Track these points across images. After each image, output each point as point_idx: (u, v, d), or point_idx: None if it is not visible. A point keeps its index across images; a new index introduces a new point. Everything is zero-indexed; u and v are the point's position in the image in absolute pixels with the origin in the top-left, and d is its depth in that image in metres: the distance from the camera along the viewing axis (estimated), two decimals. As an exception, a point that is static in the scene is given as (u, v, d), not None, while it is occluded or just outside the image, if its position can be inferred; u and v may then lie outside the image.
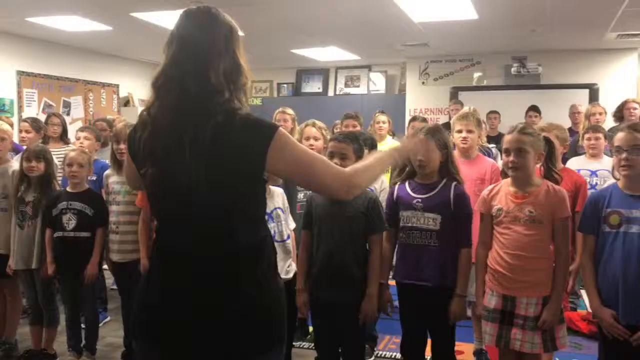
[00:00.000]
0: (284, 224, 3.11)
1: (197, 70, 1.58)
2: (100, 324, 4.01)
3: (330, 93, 9.66)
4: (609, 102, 6.56)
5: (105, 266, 3.90)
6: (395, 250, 2.90)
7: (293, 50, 7.91)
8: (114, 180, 3.59)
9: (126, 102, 8.96)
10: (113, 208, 3.56)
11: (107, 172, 3.70)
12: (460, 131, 3.54)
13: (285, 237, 3.12)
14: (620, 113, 5.96)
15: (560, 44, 7.48)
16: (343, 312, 2.78)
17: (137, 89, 8.85)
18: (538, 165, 2.70)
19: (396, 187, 2.89)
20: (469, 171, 3.32)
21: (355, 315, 2.75)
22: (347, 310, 2.76)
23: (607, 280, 2.47)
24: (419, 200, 2.76)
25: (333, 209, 2.82)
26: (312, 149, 3.26)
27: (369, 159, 1.76)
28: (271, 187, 3.03)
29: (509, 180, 2.67)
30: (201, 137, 1.53)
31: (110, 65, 8.54)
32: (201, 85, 1.57)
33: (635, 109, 5.85)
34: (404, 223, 2.80)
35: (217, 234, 1.61)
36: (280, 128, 1.61)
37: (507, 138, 2.63)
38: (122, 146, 3.39)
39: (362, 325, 2.80)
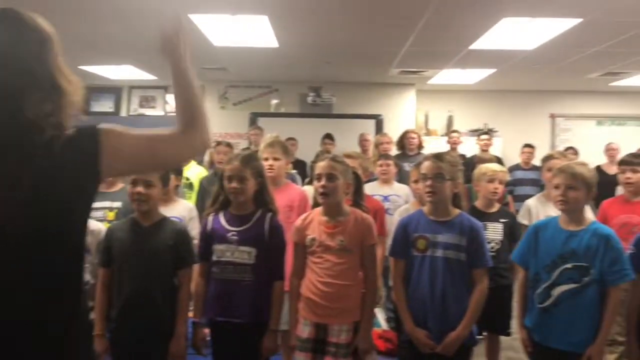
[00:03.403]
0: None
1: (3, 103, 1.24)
2: None
3: (124, 113, 9.10)
4: (392, 131, 7.18)
5: None
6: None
7: (82, 67, 7.30)
8: None
9: None
10: None
11: None
12: (267, 159, 3.52)
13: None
14: (402, 142, 6.56)
15: (352, 76, 8.01)
16: (149, 356, 2.54)
17: None
18: (347, 195, 2.77)
19: (210, 218, 2.75)
20: (277, 199, 3.28)
21: (163, 357, 2.53)
22: (154, 353, 2.53)
23: (417, 301, 2.61)
24: (234, 233, 2.65)
25: (136, 242, 2.60)
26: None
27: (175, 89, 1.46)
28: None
29: (320, 209, 2.70)
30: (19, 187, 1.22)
31: None
32: (12, 122, 1.24)
33: (414, 138, 6.48)
34: (217, 257, 2.67)
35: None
36: (102, 126, 1.34)
37: (320, 164, 2.67)
38: None
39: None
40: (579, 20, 4.72)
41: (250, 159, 2.73)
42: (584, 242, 2.52)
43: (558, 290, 2.54)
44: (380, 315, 5.16)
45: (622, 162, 3.70)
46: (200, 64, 7.20)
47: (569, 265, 2.52)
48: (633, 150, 5.50)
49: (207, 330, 2.75)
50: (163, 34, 1.44)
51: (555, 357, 2.55)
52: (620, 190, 4.06)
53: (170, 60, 1.44)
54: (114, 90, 9.07)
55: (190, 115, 1.41)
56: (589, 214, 3.56)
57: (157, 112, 9.02)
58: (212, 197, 2.82)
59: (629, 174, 3.59)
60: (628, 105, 9.15)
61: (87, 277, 2.83)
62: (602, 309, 2.49)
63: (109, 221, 3.48)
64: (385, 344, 4.31)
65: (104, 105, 9.12)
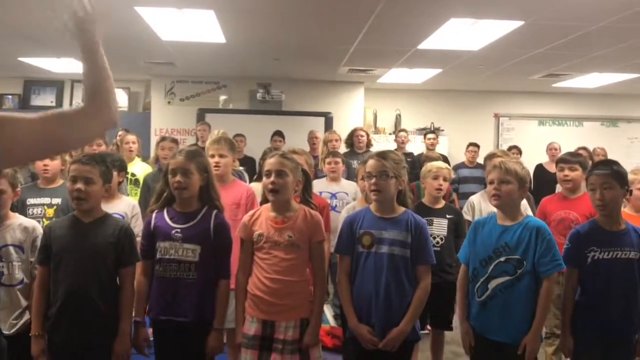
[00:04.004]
0: (16, 265, 2.67)
1: None
2: None
3: (66, 107, 8.81)
4: (341, 129, 7.22)
5: None
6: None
7: (21, 59, 7.03)
8: None
9: None
10: None
11: None
12: (213, 155, 3.47)
13: (15, 282, 2.67)
14: (351, 140, 6.61)
15: (301, 74, 8.01)
16: (91, 356, 2.47)
17: None
18: (296, 192, 2.76)
19: (153, 215, 2.69)
20: (224, 196, 3.25)
21: (106, 358, 2.46)
22: (96, 353, 2.46)
23: (362, 297, 2.63)
24: (178, 230, 2.60)
25: (76, 240, 2.52)
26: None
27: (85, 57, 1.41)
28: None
29: (268, 205, 2.68)
30: None
31: None
32: None
33: (362, 136, 6.53)
34: (161, 255, 2.61)
35: None
36: None
37: (269, 161, 2.66)
38: None
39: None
40: (522, 22, 4.86)
41: (195, 154, 2.69)
42: (516, 235, 2.61)
43: (493, 284, 2.61)
44: (327, 312, 5.19)
45: (561, 161, 3.83)
46: (147, 58, 7.05)
47: (502, 259, 2.60)
48: (572, 149, 5.71)
49: (150, 330, 2.69)
50: (74, 9, 1.40)
51: (494, 349, 2.61)
52: (559, 188, 4.20)
53: (80, 36, 1.41)
54: (56, 84, 8.78)
55: (95, 92, 1.38)
56: (529, 211, 3.68)
57: (101, 106, 8.76)
58: (155, 193, 2.76)
59: (567, 172, 3.72)
60: (568, 106, 9.50)
61: (21, 275, 2.73)
62: (536, 300, 2.57)
63: (49, 218, 3.37)
64: (332, 341, 4.33)
65: (45, 100, 8.82)
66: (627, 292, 2.68)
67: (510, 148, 7.57)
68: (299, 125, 7.77)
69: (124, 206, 3.45)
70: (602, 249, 2.70)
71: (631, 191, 3.07)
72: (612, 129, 9.64)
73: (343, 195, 4.87)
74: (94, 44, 1.41)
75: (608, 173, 2.72)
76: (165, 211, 2.68)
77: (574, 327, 2.74)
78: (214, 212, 2.68)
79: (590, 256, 2.71)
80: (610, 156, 5.97)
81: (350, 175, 5.62)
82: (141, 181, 4.91)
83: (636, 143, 9.61)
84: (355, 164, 6.02)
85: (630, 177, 3.16)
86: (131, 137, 5.21)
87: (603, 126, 9.65)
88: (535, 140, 8.74)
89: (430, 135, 7.46)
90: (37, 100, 8.80)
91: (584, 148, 6.47)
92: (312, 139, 7.06)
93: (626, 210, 3.41)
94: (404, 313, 2.58)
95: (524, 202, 3.19)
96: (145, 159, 5.72)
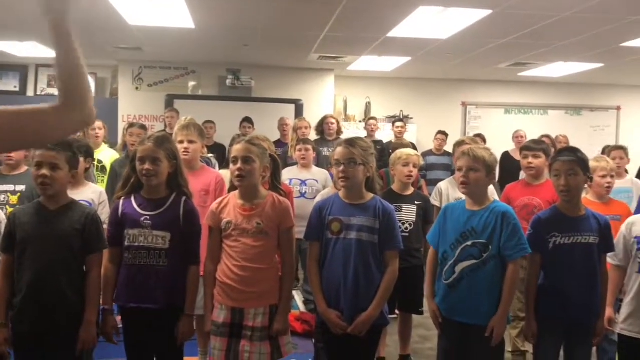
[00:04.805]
0: None
1: None
2: None
3: (30, 93, 8.60)
4: (311, 116, 7.21)
5: None
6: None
7: (-18, 41, 6.84)
8: None
9: None
10: None
11: None
12: (182, 142, 3.45)
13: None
14: (321, 127, 6.61)
15: (271, 60, 7.96)
16: (56, 344, 2.45)
17: None
18: (264, 179, 2.76)
19: (121, 202, 2.66)
20: (193, 183, 3.23)
21: (72, 346, 2.44)
22: (62, 342, 2.44)
23: (331, 283, 2.66)
24: (147, 217, 2.59)
25: (42, 227, 2.48)
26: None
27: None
28: None
29: (236, 192, 2.68)
30: None
31: None
32: None
33: (332, 123, 6.55)
34: (130, 242, 2.59)
35: None
36: None
37: (236, 147, 2.65)
38: None
39: (78, 356, 2.50)
40: (490, 11, 4.92)
41: (164, 141, 2.67)
42: (483, 220, 2.67)
43: (460, 267, 2.67)
44: (298, 298, 5.22)
45: (525, 148, 3.91)
46: (115, 43, 6.93)
47: (469, 243, 2.66)
48: (537, 137, 5.82)
49: (118, 318, 2.67)
50: None
51: (461, 331, 2.68)
52: (523, 175, 4.29)
53: (52, 23, 1.36)
54: (20, 69, 8.56)
55: (70, 87, 1.33)
56: (495, 196, 3.75)
57: (66, 92, 8.58)
58: (122, 179, 2.73)
59: (530, 159, 3.80)
60: (534, 94, 9.66)
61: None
62: (502, 283, 2.64)
63: (12, 205, 3.31)
64: (302, 326, 4.37)
65: (8, 85, 8.61)
66: (587, 276, 2.76)
67: (476, 136, 7.67)
68: (269, 112, 7.74)
69: (91, 193, 3.40)
70: (563, 234, 2.77)
71: (592, 178, 3.15)
72: (575, 118, 9.85)
73: (313, 183, 4.90)
74: (69, 32, 1.36)
75: (573, 160, 2.79)
76: (132, 198, 2.66)
77: (537, 310, 2.82)
78: (183, 198, 2.67)
79: (551, 241, 2.78)
80: (573, 144, 6.09)
81: (320, 162, 5.64)
82: (108, 168, 4.84)
83: (598, 131, 9.85)
84: (325, 151, 6.05)
85: (592, 164, 3.25)
86: (97, 123, 5.12)
87: (567, 115, 9.85)
88: (501, 129, 8.88)
89: (399, 123, 7.52)
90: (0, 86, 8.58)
91: (547, 136, 6.59)
92: (282, 126, 7.05)
93: (588, 197, 3.51)
94: (373, 298, 2.61)
95: (491, 188, 3.25)
96: (112, 145, 5.64)
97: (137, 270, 2.58)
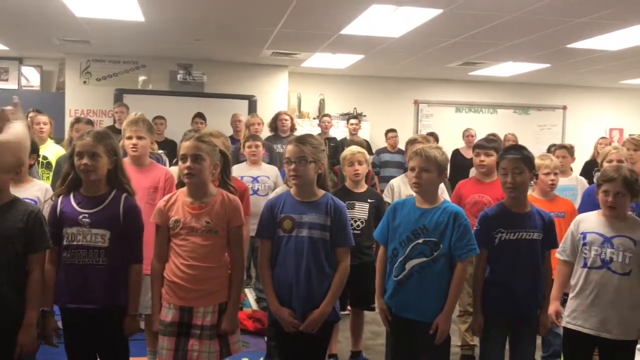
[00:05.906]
0: None
1: None
2: None
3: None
4: (265, 113, 7.17)
5: None
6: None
7: None
8: None
9: None
10: None
11: None
12: (130, 137, 3.36)
13: None
14: (275, 124, 6.58)
15: (224, 55, 7.87)
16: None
17: None
18: (214, 176, 2.71)
19: (59, 200, 2.57)
20: (141, 179, 3.18)
21: (11, 350, 2.34)
22: (1, 345, 2.34)
23: (283, 281, 2.64)
24: (86, 215, 2.51)
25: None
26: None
27: None
28: None
29: (184, 190, 2.62)
30: None
31: None
32: None
33: (286, 120, 6.52)
34: (68, 241, 2.50)
35: None
36: None
37: (185, 144, 2.59)
38: None
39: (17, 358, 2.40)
40: (441, 10, 4.99)
41: (104, 136, 2.58)
42: (434, 219, 2.69)
43: (410, 264, 2.68)
44: (250, 296, 5.19)
45: (477, 146, 3.98)
46: (61, 35, 6.71)
47: (420, 241, 2.68)
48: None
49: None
50: None
51: (409, 327, 2.70)
52: (473, 172, 4.37)
53: None
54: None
55: None
56: (445, 194, 3.81)
57: (10, 85, 8.27)
58: (61, 176, 2.64)
59: (482, 157, 3.87)
60: (483, 94, 9.88)
61: None
62: (450, 281, 2.68)
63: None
64: (254, 324, 4.34)
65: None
66: (530, 270, 2.83)
67: (428, 134, 7.78)
68: (222, 108, 7.64)
69: (36, 190, 3.26)
70: (508, 230, 2.83)
71: (537, 175, 3.23)
72: (523, 116, 10.13)
73: (265, 179, 4.87)
74: None
75: (519, 158, 2.85)
76: (71, 196, 2.56)
77: (484, 304, 2.87)
78: (124, 195, 2.59)
79: (497, 237, 2.84)
80: (521, 142, 6.26)
81: (273, 159, 5.61)
82: (54, 164, 4.69)
83: (545, 130, 10.16)
84: (279, 148, 6.01)
85: (537, 162, 3.33)
86: (42, 118, 4.96)
87: (515, 113, 10.12)
88: (452, 127, 9.04)
89: (353, 121, 7.55)
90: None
91: (494, 135, 6.73)
92: (235, 122, 6.97)
93: (534, 194, 3.60)
94: (324, 295, 2.61)
95: (441, 185, 3.29)
96: (58, 141, 5.46)
97: (77, 270, 2.49)
